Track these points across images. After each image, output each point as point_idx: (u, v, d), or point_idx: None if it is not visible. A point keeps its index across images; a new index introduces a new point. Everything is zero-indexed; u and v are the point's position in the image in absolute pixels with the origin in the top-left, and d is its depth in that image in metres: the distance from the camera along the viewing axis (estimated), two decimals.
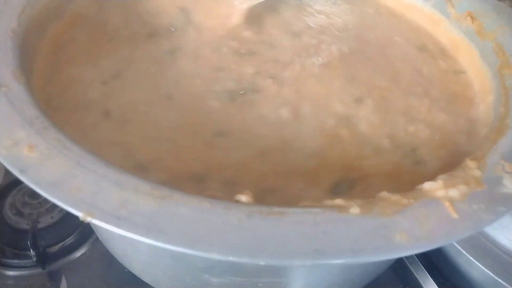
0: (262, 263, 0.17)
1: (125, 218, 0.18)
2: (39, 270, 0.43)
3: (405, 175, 0.26)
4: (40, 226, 0.45)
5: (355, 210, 0.19)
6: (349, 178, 0.25)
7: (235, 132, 0.28)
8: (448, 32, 0.39)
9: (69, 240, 0.46)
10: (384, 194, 0.21)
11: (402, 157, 0.27)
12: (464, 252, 0.37)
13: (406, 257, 0.46)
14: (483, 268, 0.37)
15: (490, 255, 0.37)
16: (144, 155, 0.26)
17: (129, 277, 0.37)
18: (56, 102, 0.29)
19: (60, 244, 0.46)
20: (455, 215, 0.19)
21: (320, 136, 0.28)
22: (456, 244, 0.38)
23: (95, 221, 0.18)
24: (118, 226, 0.17)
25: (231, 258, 0.17)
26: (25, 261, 0.44)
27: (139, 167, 0.25)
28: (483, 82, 0.33)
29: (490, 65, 0.33)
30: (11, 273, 0.44)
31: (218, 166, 0.25)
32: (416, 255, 0.44)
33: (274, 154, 0.26)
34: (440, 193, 0.20)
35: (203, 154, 0.26)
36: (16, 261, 0.44)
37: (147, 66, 0.34)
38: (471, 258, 0.37)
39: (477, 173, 0.22)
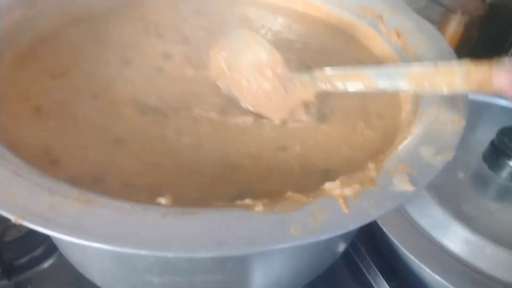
0: (170, 255, 0.20)
1: (52, 219, 0.20)
2: (5, 282, 0.45)
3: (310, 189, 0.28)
4: (7, 239, 0.47)
5: (259, 208, 0.22)
6: (248, 192, 0.28)
7: (133, 142, 0.31)
8: (382, 47, 0.42)
9: (37, 252, 0.48)
10: (288, 194, 0.23)
11: (311, 177, 0.29)
12: (410, 255, 0.40)
13: (361, 260, 0.49)
14: (429, 270, 0.39)
15: (435, 257, 0.40)
16: (58, 150, 0.29)
17: (95, 285, 0.39)
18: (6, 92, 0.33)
19: (28, 256, 0.48)
20: (346, 210, 0.22)
21: (220, 165, 0.29)
22: (403, 248, 0.40)
23: (25, 223, 0.20)
24: (45, 226, 0.20)
25: (142, 252, 0.20)
26: None
27: (53, 162, 0.28)
28: (406, 92, 0.36)
29: None
30: None
31: (115, 170, 0.28)
32: (372, 258, 0.47)
33: (166, 169, 0.29)
34: (337, 191, 0.23)
35: (104, 156, 0.29)
36: None
37: (95, 66, 0.37)
38: (416, 261, 0.39)
39: (373, 174, 0.25)
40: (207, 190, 0.28)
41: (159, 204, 0.22)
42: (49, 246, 0.48)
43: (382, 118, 0.35)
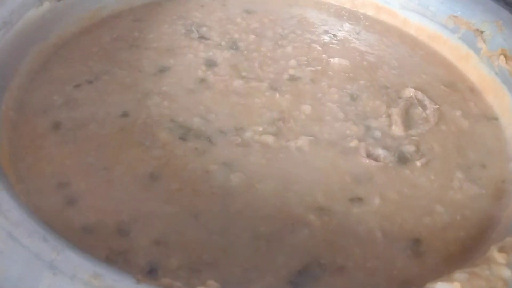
0: None
1: None
2: None
3: (398, 271, 0.21)
4: None
5: None
6: (315, 266, 0.21)
7: (170, 179, 0.24)
8: (478, 70, 0.34)
9: None
10: None
11: (397, 249, 0.22)
12: None
13: None
14: None
15: None
16: (77, 185, 0.24)
17: None
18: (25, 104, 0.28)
19: None
20: None
21: (277, 221, 0.23)
22: None
23: None
24: None
25: None
26: None
27: (69, 200, 0.23)
28: None
29: None
30: None
31: (146, 218, 0.22)
32: None
33: (209, 222, 0.22)
34: None
35: (134, 198, 0.23)
36: None
37: (128, 75, 0.31)
38: None
39: (507, 273, 0.17)
40: (261, 258, 0.21)
41: None
42: None
43: (485, 167, 0.27)
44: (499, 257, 0.18)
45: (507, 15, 0.34)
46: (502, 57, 0.31)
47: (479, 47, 0.34)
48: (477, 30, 0.34)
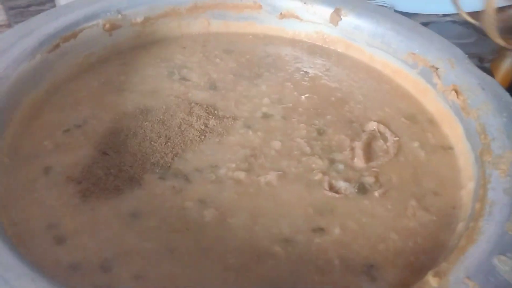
0: None
1: None
2: None
3: None
4: None
5: None
6: None
7: (149, 217, 0.27)
8: (435, 103, 0.37)
9: None
10: None
11: (353, 275, 0.25)
12: None
13: None
14: None
15: None
16: (65, 226, 0.26)
17: None
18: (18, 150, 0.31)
19: None
20: None
21: (246, 252, 0.25)
22: None
23: None
24: None
25: None
26: None
27: (58, 240, 0.25)
28: (466, 164, 0.31)
29: (473, 146, 0.31)
30: None
31: (127, 254, 0.25)
32: None
33: (184, 256, 0.25)
34: None
35: (117, 236, 0.26)
36: None
37: (113, 118, 0.34)
38: None
39: None
40: None
41: None
42: None
43: (438, 195, 0.30)
44: (433, 281, 0.20)
45: (460, 52, 0.37)
46: (453, 92, 0.34)
47: (435, 82, 0.37)
48: (433, 66, 0.37)
